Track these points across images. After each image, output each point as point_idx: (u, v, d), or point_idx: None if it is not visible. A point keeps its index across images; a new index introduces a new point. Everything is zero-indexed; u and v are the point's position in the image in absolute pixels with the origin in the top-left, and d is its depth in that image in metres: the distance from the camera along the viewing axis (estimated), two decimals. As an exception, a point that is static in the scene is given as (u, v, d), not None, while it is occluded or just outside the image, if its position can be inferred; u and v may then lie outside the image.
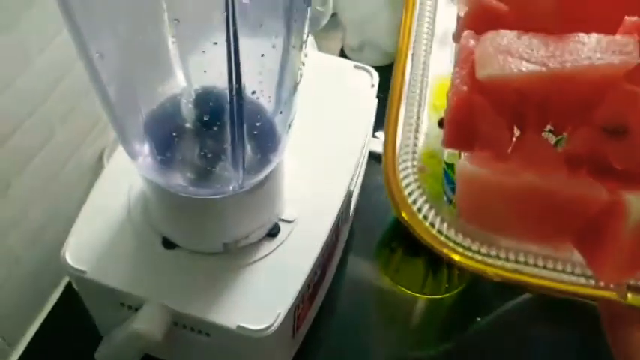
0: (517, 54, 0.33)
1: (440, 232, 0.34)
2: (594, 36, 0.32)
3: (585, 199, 0.31)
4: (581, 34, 0.33)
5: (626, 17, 0.33)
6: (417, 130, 0.37)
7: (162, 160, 0.46)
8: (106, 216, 0.54)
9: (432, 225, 0.34)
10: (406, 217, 0.35)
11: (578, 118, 0.34)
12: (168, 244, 0.52)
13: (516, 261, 0.34)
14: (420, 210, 0.35)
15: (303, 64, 0.44)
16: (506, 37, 0.34)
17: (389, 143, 0.36)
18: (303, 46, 0.42)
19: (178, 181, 0.47)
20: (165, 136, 0.46)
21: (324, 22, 0.87)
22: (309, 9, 0.40)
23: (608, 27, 0.33)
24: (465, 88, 0.33)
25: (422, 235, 0.34)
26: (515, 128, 0.34)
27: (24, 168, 0.59)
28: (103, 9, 0.31)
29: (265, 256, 0.52)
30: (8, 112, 0.54)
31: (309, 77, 0.46)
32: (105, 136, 0.70)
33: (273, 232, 0.53)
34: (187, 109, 0.47)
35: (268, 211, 0.52)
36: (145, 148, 0.47)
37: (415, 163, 0.36)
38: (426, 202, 0.35)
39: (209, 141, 0.46)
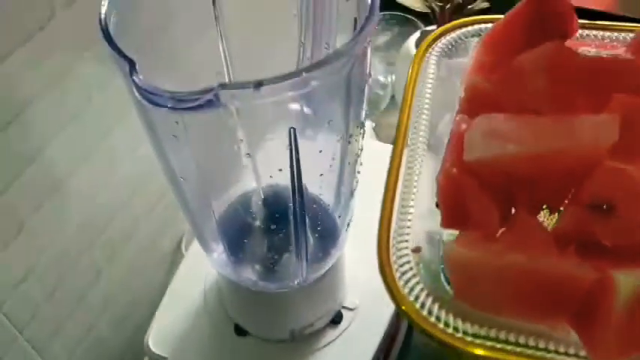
0: (503, 136, 0.33)
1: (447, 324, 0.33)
2: (579, 116, 0.33)
3: (574, 279, 0.31)
4: (566, 115, 0.33)
5: (614, 95, 0.34)
6: (410, 213, 0.37)
7: (233, 257, 0.51)
8: (184, 304, 0.59)
9: (438, 319, 0.33)
10: (406, 310, 0.34)
11: (567, 197, 0.34)
12: (240, 331, 0.56)
13: (507, 341, 0.32)
14: (422, 304, 0.34)
15: (359, 157, 0.47)
16: (495, 119, 0.34)
17: (383, 228, 0.36)
18: (360, 139, 0.45)
19: (249, 275, 0.51)
20: (236, 235, 0.51)
21: (384, 105, 0.92)
22: (364, 113, 0.44)
23: (597, 106, 0.34)
24: (454, 170, 0.35)
25: (429, 331, 0.33)
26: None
27: (113, 258, 0.65)
28: (188, 150, 0.37)
29: (329, 343, 0.55)
30: (104, 209, 0.61)
31: (369, 167, 0.48)
32: (183, 225, 0.77)
33: (336, 320, 0.56)
34: (257, 208, 0.52)
35: (331, 300, 0.55)
36: (219, 246, 0.52)
37: (408, 244, 0.36)
38: (422, 290, 0.34)
39: (275, 238, 0.51)
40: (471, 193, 0.35)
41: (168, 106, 0.31)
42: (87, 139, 0.56)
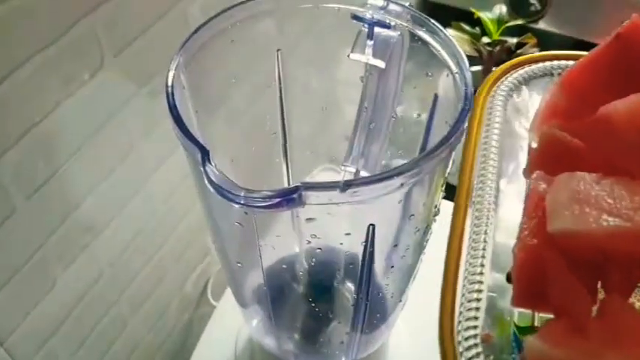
0: (596, 204, 0.27)
1: None
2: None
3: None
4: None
5: None
6: (479, 290, 0.30)
7: (275, 326, 0.48)
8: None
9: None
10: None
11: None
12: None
13: None
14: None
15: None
16: (583, 181, 0.28)
17: (445, 310, 0.30)
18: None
19: (289, 348, 0.48)
20: (282, 303, 0.48)
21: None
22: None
23: None
24: (534, 241, 0.29)
25: None
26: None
27: (138, 308, 0.62)
28: (253, 238, 0.34)
29: None
30: (134, 261, 0.58)
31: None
32: (209, 269, 0.74)
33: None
34: (303, 277, 0.49)
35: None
36: (261, 313, 0.49)
37: (478, 331, 0.29)
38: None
39: (323, 316, 0.48)
40: (555, 271, 0.29)
41: (242, 203, 0.28)
42: (122, 191, 0.53)
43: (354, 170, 0.49)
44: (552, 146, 0.32)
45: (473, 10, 0.86)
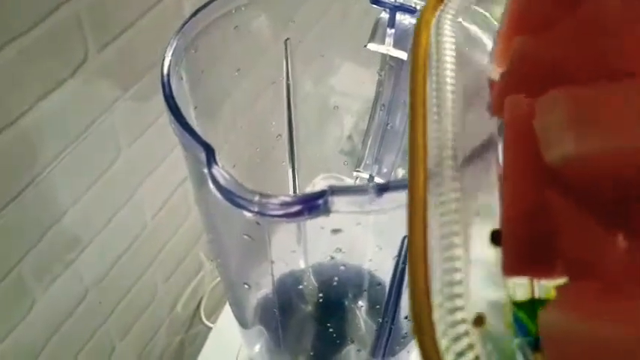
0: (605, 116, 0.20)
1: None
2: None
3: None
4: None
5: None
6: (463, 258, 0.21)
7: (283, 350, 0.43)
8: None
9: None
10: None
11: None
12: None
13: None
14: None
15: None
16: (580, 92, 0.21)
17: (418, 283, 0.20)
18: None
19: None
20: (291, 327, 0.43)
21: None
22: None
23: None
24: (526, 180, 0.22)
25: None
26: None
27: (127, 332, 0.57)
28: (264, 254, 0.29)
29: None
30: (121, 280, 0.53)
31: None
32: (201, 288, 0.68)
33: None
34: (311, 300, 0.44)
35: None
36: (266, 335, 0.44)
37: (465, 314, 0.20)
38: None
39: (339, 338, 0.43)
40: (563, 215, 0.21)
41: (255, 210, 0.23)
42: (109, 202, 0.48)
43: (367, 177, 0.45)
44: (527, 66, 0.24)
45: None
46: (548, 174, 0.20)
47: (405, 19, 0.36)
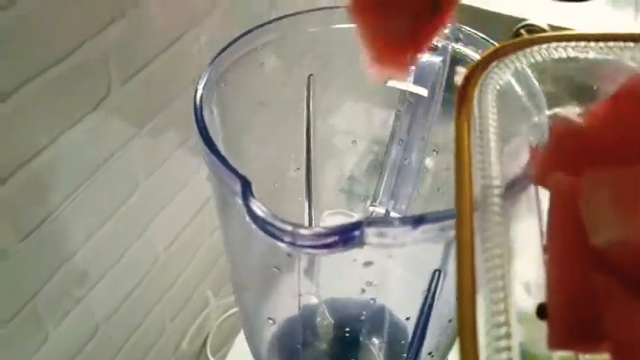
0: None
1: None
2: None
3: None
4: None
5: None
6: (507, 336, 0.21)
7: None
8: None
9: None
10: None
11: None
12: None
13: None
14: None
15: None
16: (624, 174, 0.22)
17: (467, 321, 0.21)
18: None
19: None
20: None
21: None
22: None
23: None
24: (575, 267, 0.22)
25: None
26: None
27: (135, 368, 0.56)
28: (293, 287, 0.29)
29: None
30: (130, 317, 0.52)
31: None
32: (207, 324, 0.67)
33: None
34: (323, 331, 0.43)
35: None
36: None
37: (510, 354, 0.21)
38: None
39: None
40: (610, 296, 0.22)
41: (289, 241, 0.23)
42: (122, 237, 0.48)
43: (383, 212, 0.45)
44: (567, 139, 0.24)
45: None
46: (594, 256, 0.21)
47: (425, 56, 0.36)
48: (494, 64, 0.28)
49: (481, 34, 0.34)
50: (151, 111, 0.44)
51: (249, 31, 0.33)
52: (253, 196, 0.24)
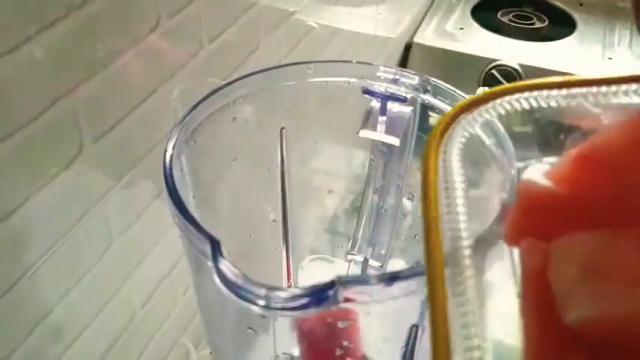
0: (622, 271, 0.19)
1: None
2: None
3: None
4: None
5: None
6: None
7: None
8: None
9: None
10: None
11: None
12: None
13: None
14: None
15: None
16: (592, 241, 0.20)
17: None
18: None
19: None
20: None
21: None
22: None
23: None
24: (549, 347, 0.21)
25: None
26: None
27: None
28: (270, 349, 0.28)
29: None
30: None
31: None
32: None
33: None
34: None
35: None
36: None
37: None
38: None
39: None
40: None
41: (262, 304, 0.23)
42: (98, 294, 0.47)
43: (361, 259, 0.45)
44: (534, 200, 0.23)
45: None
46: (569, 334, 0.19)
47: (395, 107, 0.37)
48: (461, 117, 0.28)
49: (449, 86, 0.34)
50: (125, 167, 0.44)
51: (221, 87, 0.33)
52: (223, 256, 0.24)
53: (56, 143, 0.37)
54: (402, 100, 0.36)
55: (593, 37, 1.07)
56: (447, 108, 0.35)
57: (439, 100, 0.35)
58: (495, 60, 1.02)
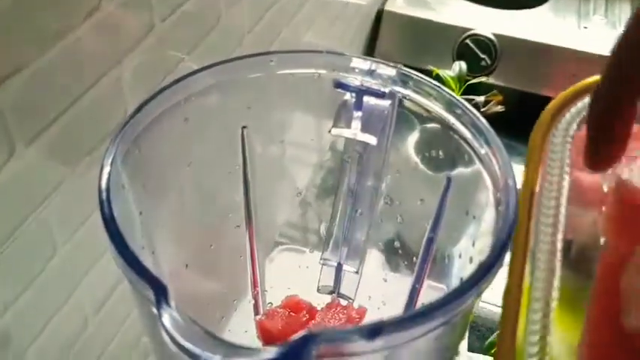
0: None
1: None
2: None
3: None
4: None
5: None
6: None
7: None
8: None
9: None
10: None
11: None
12: None
13: None
14: None
15: None
16: None
17: None
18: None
19: None
20: None
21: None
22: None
23: None
24: (604, 337, 0.22)
25: None
26: None
27: None
28: None
29: None
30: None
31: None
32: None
33: None
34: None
35: None
36: None
37: None
38: None
39: None
40: None
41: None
42: (47, 302, 0.42)
43: (335, 264, 0.41)
44: (630, 205, 0.23)
45: (432, 67, 0.81)
46: (623, 335, 0.20)
47: (372, 100, 0.33)
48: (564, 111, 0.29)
49: (429, 79, 0.30)
50: (68, 167, 0.39)
51: (169, 85, 0.28)
52: (169, 304, 0.20)
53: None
54: (378, 94, 0.32)
55: (567, 6, 1.04)
56: (426, 102, 0.31)
57: (418, 93, 0.31)
58: (469, 29, 0.98)
